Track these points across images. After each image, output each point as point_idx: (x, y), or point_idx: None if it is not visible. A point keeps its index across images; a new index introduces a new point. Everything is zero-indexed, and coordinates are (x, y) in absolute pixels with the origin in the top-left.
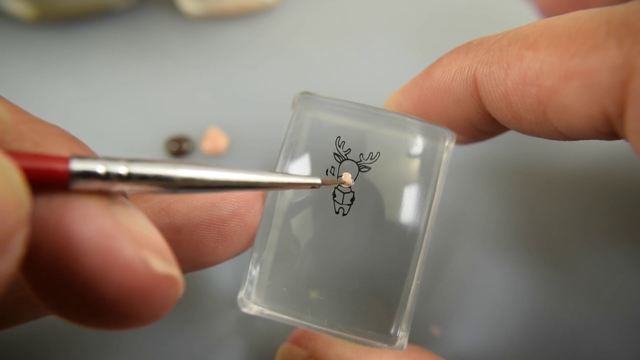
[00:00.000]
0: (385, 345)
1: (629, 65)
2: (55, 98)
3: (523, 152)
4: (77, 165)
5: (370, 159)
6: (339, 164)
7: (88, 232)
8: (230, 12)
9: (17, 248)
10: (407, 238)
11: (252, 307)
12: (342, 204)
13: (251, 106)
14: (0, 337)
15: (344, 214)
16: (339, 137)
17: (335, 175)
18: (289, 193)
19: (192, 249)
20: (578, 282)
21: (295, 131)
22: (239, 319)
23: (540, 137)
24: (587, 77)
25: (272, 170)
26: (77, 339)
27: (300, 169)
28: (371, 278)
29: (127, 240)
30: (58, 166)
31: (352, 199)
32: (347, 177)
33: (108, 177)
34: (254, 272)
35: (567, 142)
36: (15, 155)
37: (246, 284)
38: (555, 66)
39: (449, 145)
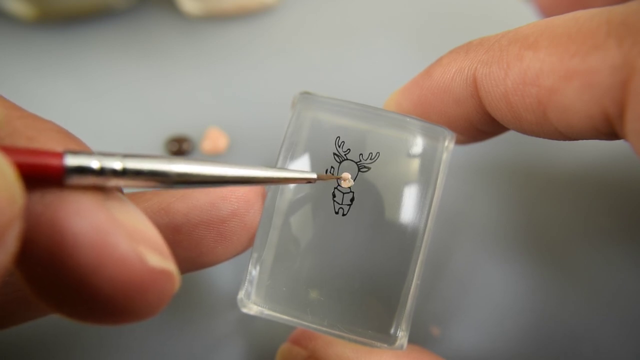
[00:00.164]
0: (385, 345)
1: (629, 65)
2: (55, 98)
3: (523, 152)
4: (71, 161)
5: (370, 159)
6: (338, 164)
7: (82, 227)
8: (230, 12)
9: (11, 243)
10: (407, 238)
11: (252, 307)
12: (341, 204)
13: (251, 106)
14: (0, 337)
15: (343, 214)
16: (339, 137)
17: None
18: (289, 193)
19: (191, 249)
20: (578, 282)
21: (295, 131)
22: (239, 319)
23: (540, 137)
24: (587, 77)
25: None
26: (77, 339)
27: (300, 169)
28: (371, 278)
29: (122, 235)
30: (52, 161)
31: (352, 199)
32: (346, 177)
33: (103, 172)
34: (254, 272)
35: (567, 142)
36: (9, 150)
37: (246, 284)
38: (555, 66)
39: (448, 145)
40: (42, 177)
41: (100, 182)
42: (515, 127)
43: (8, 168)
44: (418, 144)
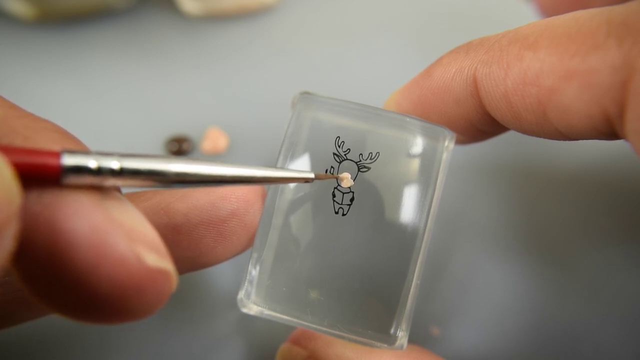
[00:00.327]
0: (385, 345)
1: (629, 65)
2: (55, 98)
3: (523, 152)
4: (68, 160)
5: (370, 159)
6: (338, 164)
7: (80, 227)
8: (230, 12)
9: (8, 242)
10: (407, 238)
11: (252, 307)
12: (341, 204)
13: (251, 106)
14: (0, 337)
15: (343, 214)
16: (339, 137)
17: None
18: (289, 193)
19: (191, 249)
20: (578, 282)
21: (295, 131)
22: (239, 319)
23: (540, 137)
24: (587, 77)
25: None
26: (77, 339)
27: (299, 169)
28: (371, 278)
29: (120, 234)
30: (49, 161)
31: (352, 199)
32: (346, 177)
33: (100, 171)
34: (254, 272)
35: (567, 142)
36: (6, 150)
37: (246, 284)
38: (555, 66)
39: (448, 145)
40: (40, 176)
41: (97, 182)
42: (515, 127)
43: (5, 167)
44: (418, 144)
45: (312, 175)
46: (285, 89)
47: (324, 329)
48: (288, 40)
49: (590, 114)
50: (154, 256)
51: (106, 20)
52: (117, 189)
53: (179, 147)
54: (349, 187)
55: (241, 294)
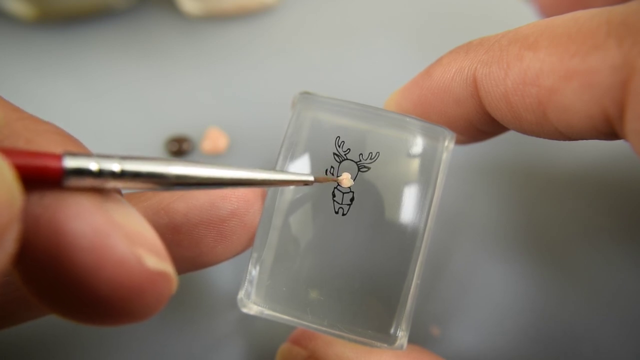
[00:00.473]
0: (385, 345)
1: (629, 65)
2: (55, 98)
3: (523, 152)
4: (70, 163)
5: (370, 159)
6: (338, 164)
7: (81, 229)
8: (230, 12)
9: (9, 244)
10: (407, 238)
11: (252, 307)
12: (341, 204)
13: (251, 106)
14: (0, 337)
15: (343, 214)
16: (339, 137)
17: (335, 176)
18: (289, 193)
19: (191, 249)
20: (578, 282)
21: (295, 131)
22: (239, 319)
23: (540, 137)
24: (587, 77)
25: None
26: (77, 339)
27: (299, 169)
28: (371, 278)
29: (121, 237)
30: (51, 163)
31: (352, 199)
32: (346, 177)
33: (101, 174)
34: (254, 272)
35: (567, 142)
36: (7, 152)
37: (246, 284)
38: (555, 66)
39: (448, 145)
40: (41, 178)
41: (98, 184)
42: (515, 127)
43: (7, 170)
44: (418, 144)
45: (311, 178)
46: (285, 89)
47: (324, 328)
48: (288, 40)
49: (590, 114)
50: (154, 258)
51: (106, 20)
52: (118, 191)
53: (179, 147)
54: (349, 187)
55: (241, 294)
